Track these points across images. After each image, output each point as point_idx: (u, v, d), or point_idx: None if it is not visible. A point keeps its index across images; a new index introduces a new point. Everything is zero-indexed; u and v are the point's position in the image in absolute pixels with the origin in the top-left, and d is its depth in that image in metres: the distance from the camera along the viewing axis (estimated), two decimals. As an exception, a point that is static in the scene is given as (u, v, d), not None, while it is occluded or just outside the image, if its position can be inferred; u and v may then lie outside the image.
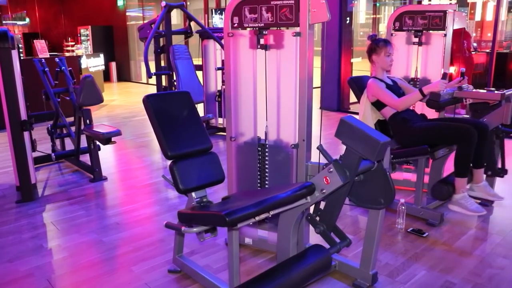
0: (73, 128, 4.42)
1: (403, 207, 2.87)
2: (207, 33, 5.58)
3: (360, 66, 7.47)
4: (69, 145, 4.69)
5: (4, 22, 14.53)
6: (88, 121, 4.03)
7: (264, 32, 2.28)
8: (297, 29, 2.16)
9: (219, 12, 8.61)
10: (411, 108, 3.12)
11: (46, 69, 4.52)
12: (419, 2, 7.12)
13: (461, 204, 2.86)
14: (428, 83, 3.24)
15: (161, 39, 5.96)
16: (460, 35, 6.10)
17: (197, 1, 10.63)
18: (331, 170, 1.89)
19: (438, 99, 2.85)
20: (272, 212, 1.81)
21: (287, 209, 1.93)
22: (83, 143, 4.15)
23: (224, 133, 5.26)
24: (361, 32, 11.65)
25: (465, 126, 2.77)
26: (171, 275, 2.36)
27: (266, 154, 2.44)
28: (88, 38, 12.04)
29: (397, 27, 3.69)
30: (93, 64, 9.15)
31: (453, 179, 2.89)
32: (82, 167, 4.26)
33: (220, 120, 5.81)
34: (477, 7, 8.66)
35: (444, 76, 2.97)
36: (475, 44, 7.20)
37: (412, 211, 3.05)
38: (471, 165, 2.89)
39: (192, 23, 5.93)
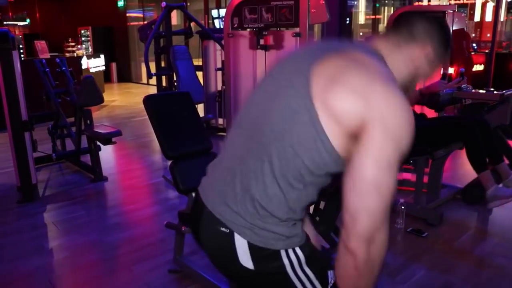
0: (73, 129, 4.43)
1: (403, 207, 2.88)
2: (207, 34, 5.59)
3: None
4: (70, 145, 4.69)
5: (4, 22, 14.55)
6: (88, 121, 4.03)
7: (264, 33, 2.30)
8: (297, 29, 2.17)
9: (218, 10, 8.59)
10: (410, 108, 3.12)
11: (46, 69, 4.53)
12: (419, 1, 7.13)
13: (497, 197, 2.77)
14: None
15: (161, 40, 5.97)
16: (459, 36, 6.11)
17: (197, 2, 10.65)
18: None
19: (438, 99, 2.86)
20: (272, 212, 1.82)
21: (287, 209, 1.93)
22: (84, 143, 4.16)
23: (224, 133, 5.26)
24: (361, 33, 11.66)
25: (465, 120, 2.77)
26: (172, 275, 2.37)
27: (266, 154, 2.44)
28: (89, 38, 12.06)
29: (396, 28, 3.70)
30: (94, 64, 9.16)
31: (478, 183, 2.84)
32: (83, 168, 4.27)
33: (220, 121, 5.81)
34: (477, 7, 8.68)
35: (444, 76, 2.98)
36: (474, 45, 7.21)
37: (411, 211, 3.05)
38: (490, 161, 2.81)
39: (192, 24, 5.94)
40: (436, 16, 1.14)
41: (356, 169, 0.89)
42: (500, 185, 2.88)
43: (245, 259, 1.03)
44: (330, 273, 1.09)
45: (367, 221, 0.89)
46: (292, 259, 1.04)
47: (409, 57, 1.09)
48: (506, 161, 2.91)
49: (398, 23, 1.11)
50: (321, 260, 1.11)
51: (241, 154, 1.03)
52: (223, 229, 1.04)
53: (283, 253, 1.04)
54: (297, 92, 0.95)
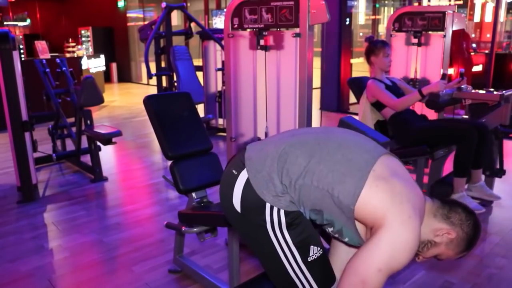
0: (73, 129, 4.43)
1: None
2: (207, 34, 5.60)
3: (360, 67, 7.49)
4: (70, 145, 4.70)
5: (5, 23, 14.55)
6: (88, 121, 4.04)
7: (264, 33, 2.30)
8: (297, 30, 2.18)
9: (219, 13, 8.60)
10: (411, 108, 3.13)
11: (47, 70, 4.53)
12: (419, 3, 7.14)
13: None
14: (427, 84, 3.25)
15: (161, 40, 5.97)
16: (459, 36, 6.12)
17: (198, 2, 10.66)
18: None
19: (437, 99, 2.87)
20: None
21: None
22: (84, 143, 4.16)
23: (224, 134, 5.26)
24: (361, 33, 11.67)
25: (465, 126, 2.78)
26: (172, 275, 2.38)
27: (266, 154, 2.45)
28: (89, 39, 12.06)
29: (396, 28, 3.71)
30: (94, 65, 9.17)
31: (452, 179, 2.90)
32: (83, 168, 4.27)
33: (220, 121, 5.82)
34: (476, 8, 8.68)
35: (443, 76, 2.99)
36: (474, 45, 7.21)
37: (411, 211, 3.05)
38: (473, 164, 2.87)
39: (193, 24, 5.94)
40: (477, 219, 1.26)
41: (358, 263, 1.11)
42: (466, 186, 2.92)
43: (236, 201, 1.24)
44: (313, 247, 1.23)
45: None
46: (274, 217, 1.21)
47: (434, 229, 1.23)
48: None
49: (446, 201, 1.27)
50: (306, 234, 1.23)
51: (309, 140, 1.24)
52: (234, 171, 1.26)
53: (267, 208, 1.20)
54: (370, 151, 1.20)
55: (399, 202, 1.11)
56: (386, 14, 10.59)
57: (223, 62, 5.46)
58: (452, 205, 1.26)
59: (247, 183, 1.22)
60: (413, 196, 1.15)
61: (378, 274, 1.07)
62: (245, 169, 1.24)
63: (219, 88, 5.75)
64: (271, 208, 1.20)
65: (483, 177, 3.10)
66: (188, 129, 2.22)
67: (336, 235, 1.25)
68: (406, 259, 1.09)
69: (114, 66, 12.11)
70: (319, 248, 1.25)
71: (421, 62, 3.66)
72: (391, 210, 1.10)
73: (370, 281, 1.08)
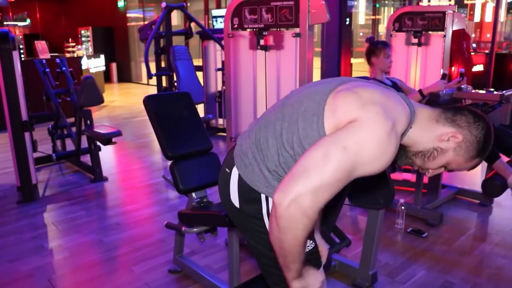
0: (73, 129, 4.43)
1: (403, 207, 2.89)
2: (207, 34, 5.59)
3: (360, 67, 7.48)
4: (70, 145, 4.70)
5: (5, 23, 14.56)
6: (88, 121, 4.04)
7: (264, 33, 2.30)
8: (297, 30, 2.17)
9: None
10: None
11: (47, 70, 4.53)
12: (418, 3, 7.14)
13: None
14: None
15: (161, 40, 5.97)
16: (459, 36, 6.11)
17: (197, 2, 10.66)
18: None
19: (438, 99, 2.86)
20: (272, 212, 1.82)
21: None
22: (84, 143, 4.16)
23: (224, 134, 5.26)
24: (361, 33, 11.66)
25: None
26: (172, 275, 2.37)
27: (266, 154, 2.44)
28: (89, 39, 12.05)
29: (396, 28, 3.70)
30: (94, 65, 9.16)
31: (495, 174, 2.80)
32: (82, 168, 4.27)
33: (220, 121, 5.82)
34: (476, 8, 8.68)
35: (444, 76, 2.98)
36: (474, 45, 7.21)
37: (411, 211, 3.06)
38: (500, 154, 2.79)
39: (193, 24, 5.94)
40: (487, 123, 1.14)
41: (324, 139, 1.04)
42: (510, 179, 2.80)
43: (234, 197, 1.28)
44: (307, 240, 1.21)
45: (302, 182, 0.97)
46: (270, 207, 1.21)
47: (439, 134, 1.13)
48: None
49: (450, 107, 1.17)
50: None
51: (270, 118, 1.24)
52: (226, 169, 1.31)
53: (263, 200, 1.23)
54: (321, 92, 1.15)
55: (360, 106, 1.04)
56: (386, 14, 10.59)
57: (223, 62, 5.46)
58: (456, 108, 1.16)
59: (240, 179, 1.25)
60: (380, 97, 1.08)
61: (343, 152, 0.98)
62: (235, 166, 1.27)
63: (219, 88, 5.74)
64: (267, 199, 1.23)
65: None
66: (188, 129, 2.22)
67: None
68: (375, 154, 1.00)
69: (114, 66, 12.11)
70: (311, 242, 1.27)
71: (421, 62, 3.66)
72: (355, 113, 1.04)
73: (333, 155, 0.98)
